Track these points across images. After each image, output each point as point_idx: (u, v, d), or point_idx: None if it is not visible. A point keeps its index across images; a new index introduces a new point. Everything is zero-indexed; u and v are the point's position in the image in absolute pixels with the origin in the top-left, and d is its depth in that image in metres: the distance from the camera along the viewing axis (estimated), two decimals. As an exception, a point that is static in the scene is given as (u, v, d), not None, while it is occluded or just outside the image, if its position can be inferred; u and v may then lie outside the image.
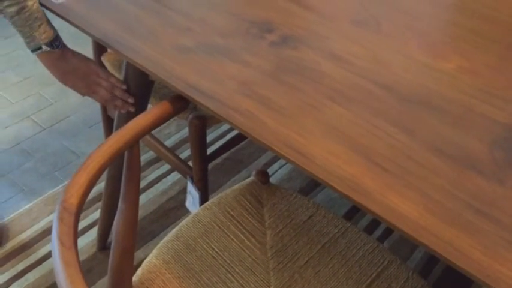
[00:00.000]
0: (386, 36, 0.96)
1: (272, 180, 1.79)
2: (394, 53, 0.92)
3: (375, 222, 1.60)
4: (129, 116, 1.15)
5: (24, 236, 1.52)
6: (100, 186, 1.69)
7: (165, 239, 0.96)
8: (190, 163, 1.31)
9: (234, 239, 0.96)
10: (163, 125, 2.04)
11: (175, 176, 1.74)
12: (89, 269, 1.45)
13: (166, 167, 1.77)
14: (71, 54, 1.04)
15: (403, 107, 0.80)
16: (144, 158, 1.81)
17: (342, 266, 0.93)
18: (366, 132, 0.76)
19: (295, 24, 0.98)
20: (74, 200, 0.61)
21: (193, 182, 1.33)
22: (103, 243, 1.50)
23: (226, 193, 1.04)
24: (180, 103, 0.85)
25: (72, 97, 2.07)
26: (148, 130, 0.78)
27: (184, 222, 0.98)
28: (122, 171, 1.28)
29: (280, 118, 0.77)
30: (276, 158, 1.83)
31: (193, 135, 1.21)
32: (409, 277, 0.91)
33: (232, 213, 1.00)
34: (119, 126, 1.19)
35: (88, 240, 1.52)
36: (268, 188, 1.06)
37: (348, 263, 0.93)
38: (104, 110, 1.60)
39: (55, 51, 1.02)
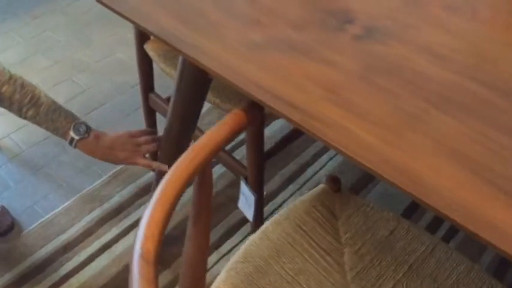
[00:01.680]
0: (484, 24, 0.82)
1: (321, 173, 1.67)
2: (497, 45, 0.78)
3: (437, 221, 1.48)
4: (184, 115, 1.04)
5: (65, 236, 1.43)
6: (148, 176, 1.59)
7: (232, 259, 0.85)
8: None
9: (309, 258, 0.85)
10: (203, 111, 1.93)
11: (220, 168, 1.63)
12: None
13: (209, 159, 1.66)
14: (101, 134, 1.13)
15: (518, 113, 0.67)
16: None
17: (433, 291, 0.82)
18: (479, 146, 0.63)
19: (379, 12, 0.84)
20: (150, 245, 0.50)
21: (247, 183, 1.22)
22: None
23: (295, 204, 0.92)
24: (255, 111, 0.73)
25: (107, 83, 1.96)
26: (222, 145, 0.67)
27: (251, 239, 0.88)
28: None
29: (374, 129, 0.65)
30: (325, 149, 1.71)
31: (251, 133, 1.09)
32: (512, 305, 0.80)
33: (304, 228, 0.89)
34: (172, 126, 1.08)
35: (131, 242, 1.43)
36: (341, 196, 0.95)
37: (440, 287, 0.82)
38: (146, 98, 1.48)
39: (87, 138, 1.09)
